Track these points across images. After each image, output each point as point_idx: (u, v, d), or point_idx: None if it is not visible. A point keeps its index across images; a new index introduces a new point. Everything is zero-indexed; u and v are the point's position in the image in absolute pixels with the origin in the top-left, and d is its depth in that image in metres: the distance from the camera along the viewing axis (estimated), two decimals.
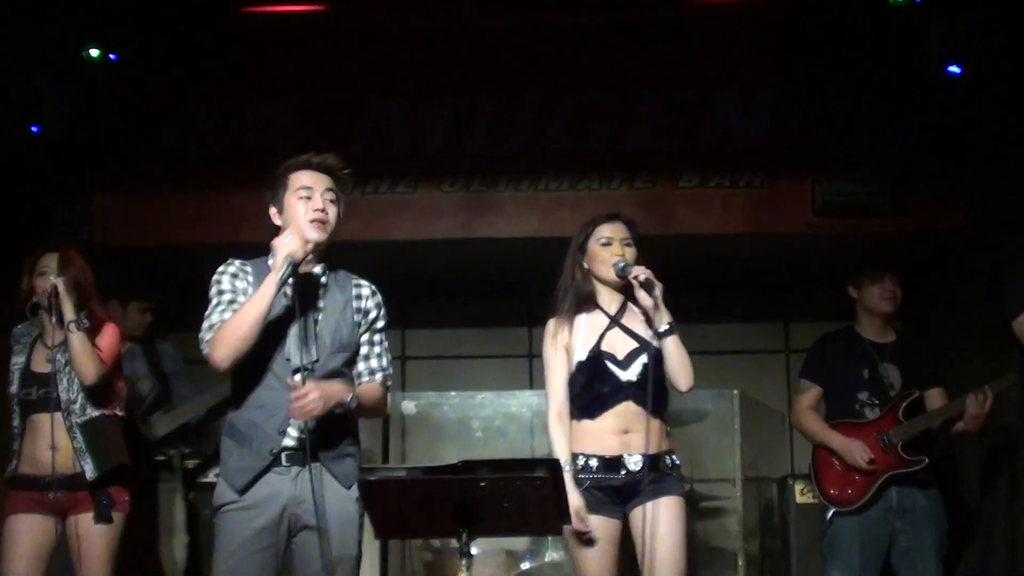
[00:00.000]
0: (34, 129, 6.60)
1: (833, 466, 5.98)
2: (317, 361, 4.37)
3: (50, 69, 6.59)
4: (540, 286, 8.25)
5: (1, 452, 5.49)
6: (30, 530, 5.25)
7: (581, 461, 4.88)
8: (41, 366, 5.36)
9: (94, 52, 6.75)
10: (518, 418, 7.60)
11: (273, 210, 4.49)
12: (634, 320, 4.99)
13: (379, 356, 4.57)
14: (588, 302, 5.04)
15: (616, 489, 4.86)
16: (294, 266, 4.27)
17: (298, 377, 4.28)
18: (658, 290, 4.80)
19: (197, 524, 6.60)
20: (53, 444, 5.22)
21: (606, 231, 5.03)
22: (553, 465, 3.95)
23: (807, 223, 7.11)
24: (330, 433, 4.39)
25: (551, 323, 5.09)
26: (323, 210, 4.40)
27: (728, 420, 6.91)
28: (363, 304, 4.56)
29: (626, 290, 5.00)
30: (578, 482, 4.87)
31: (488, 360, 8.59)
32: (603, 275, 5.01)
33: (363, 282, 4.61)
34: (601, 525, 4.85)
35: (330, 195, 4.46)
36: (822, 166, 7.04)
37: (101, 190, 7.32)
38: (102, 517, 5.24)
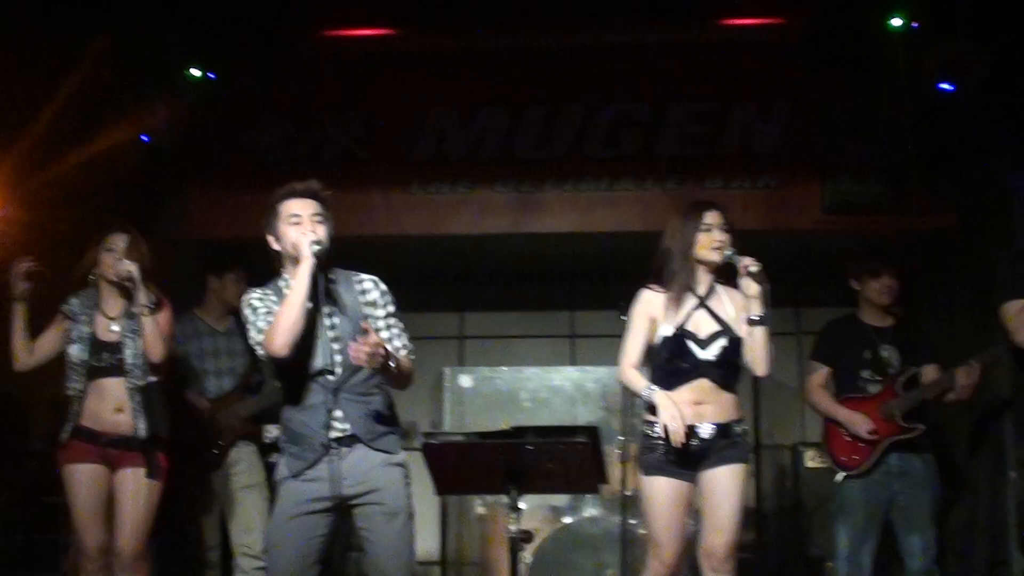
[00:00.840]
0: (144, 139, 6.68)
1: (841, 436, 5.99)
2: (341, 362, 4.37)
3: (158, 87, 6.67)
4: (580, 275, 8.38)
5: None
6: (90, 477, 5.19)
7: (658, 429, 4.73)
8: (106, 335, 5.28)
9: (196, 72, 6.85)
10: (561, 391, 7.61)
11: (270, 238, 4.50)
12: (719, 303, 4.87)
13: (398, 336, 4.51)
14: (682, 282, 4.87)
15: (688, 455, 4.77)
16: (320, 246, 4.31)
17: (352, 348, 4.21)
18: (766, 286, 4.71)
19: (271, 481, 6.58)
20: (118, 406, 5.19)
21: (707, 218, 4.86)
22: (592, 431, 3.99)
23: (817, 220, 7.10)
24: (370, 420, 4.41)
25: (645, 293, 4.94)
26: (312, 232, 4.38)
27: (746, 394, 6.91)
28: (368, 297, 4.51)
29: (717, 273, 4.90)
30: (652, 447, 4.77)
31: (535, 339, 8.59)
32: (703, 257, 4.86)
33: (363, 276, 4.57)
34: (671, 487, 4.76)
35: (317, 218, 4.42)
36: (830, 170, 7.02)
37: (197, 190, 7.40)
38: (153, 473, 5.16)
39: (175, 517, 6.32)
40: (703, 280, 4.90)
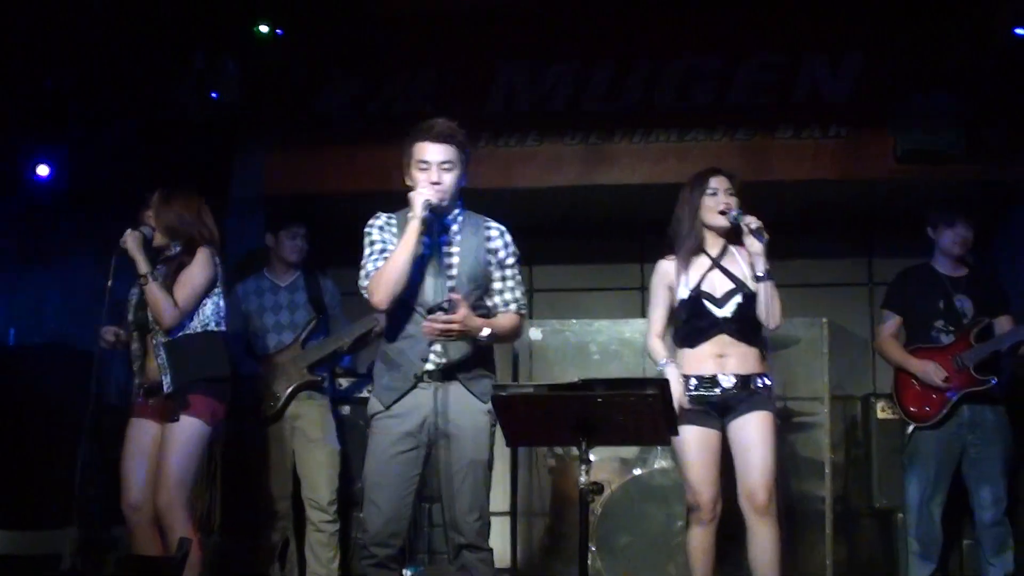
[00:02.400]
0: (214, 95, 6.73)
1: (913, 387, 5.97)
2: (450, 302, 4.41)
3: (227, 44, 6.71)
4: (650, 227, 8.31)
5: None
6: (136, 431, 5.26)
7: (683, 381, 5.02)
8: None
9: (264, 28, 6.89)
10: (631, 343, 7.58)
11: (407, 180, 4.57)
12: (733, 263, 5.07)
13: (512, 289, 4.63)
14: (694, 246, 5.11)
15: (713, 404, 4.98)
16: (431, 210, 4.38)
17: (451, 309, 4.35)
18: (764, 238, 4.87)
19: (345, 433, 6.66)
20: (157, 360, 5.20)
21: (712, 183, 5.11)
22: (662, 384, 3.99)
23: (889, 170, 7.00)
24: (467, 359, 4.51)
25: (661, 265, 5.20)
26: (438, 181, 4.45)
27: (818, 345, 6.85)
28: (492, 244, 4.61)
29: (729, 235, 5.08)
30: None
31: (604, 292, 8.59)
32: (710, 221, 5.10)
33: (492, 223, 4.67)
34: (701, 435, 4.99)
35: (446, 165, 4.48)
36: (903, 119, 6.92)
37: (267, 148, 7.44)
38: (170, 417, 5.12)
39: (242, 469, 6.44)
40: (715, 243, 5.13)
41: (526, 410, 4.06)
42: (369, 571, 4.50)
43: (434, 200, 4.41)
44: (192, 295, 5.22)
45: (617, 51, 7.30)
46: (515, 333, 4.70)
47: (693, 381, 5.02)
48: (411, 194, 4.46)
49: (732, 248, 5.11)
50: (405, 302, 4.49)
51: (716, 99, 7.23)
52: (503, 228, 4.67)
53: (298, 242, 6.54)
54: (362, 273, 4.54)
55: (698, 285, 5.06)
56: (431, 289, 4.47)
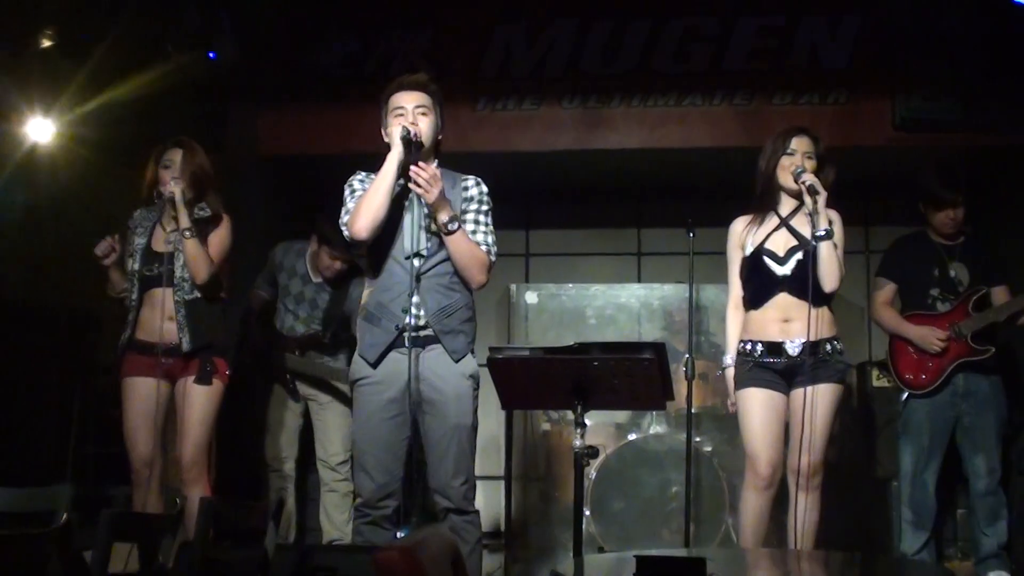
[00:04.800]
0: (211, 55, 6.70)
1: (909, 354, 5.97)
2: (428, 248, 4.51)
3: (223, 3, 6.68)
4: (647, 192, 8.34)
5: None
6: (143, 390, 5.26)
7: (749, 347, 5.03)
8: (160, 246, 5.35)
9: None
10: (627, 308, 7.61)
11: (383, 132, 4.66)
12: (803, 222, 5.02)
13: (484, 233, 4.63)
14: (766, 204, 5.11)
15: (778, 371, 4.97)
16: (408, 145, 4.43)
17: (417, 262, 4.47)
18: (822, 198, 4.84)
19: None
20: (169, 315, 5.25)
21: (793, 143, 5.09)
22: (658, 348, 4.01)
23: (887, 137, 7.00)
24: (447, 309, 4.54)
25: (735, 223, 5.21)
26: (414, 123, 4.54)
27: None
28: (468, 193, 4.67)
29: (802, 196, 5.01)
30: (744, 362, 5.02)
31: (601, 257, 8.60)
32: (783, 181, 5.08)
33: (469, 176, 4.73)
34: (762, 396, 4.99)
35: (421, 109, 4.60)
36: (901, 86, 6.91)
37: (264, 107, 7.42)
38: (202, 379, 5.24)
39: (250, 429, 6.47)
40: (788, 203, 5.11)
41: (522, 373, 4.08)
42: (363, 529, 4.56)
43: (411, 129, 4.47)
44: (221, 261, 5.37)
45: (614, 12, 7.26)
46: (477, 264, 4.59)
47: (759, 347, 5.01)
48: (388, 130, 4.58)
49: (806, 209, 5.04)
50: (384, 254, 4.57)
51: (713, 63, 7.20)
52: (479, 179, 4.74)
53: (337, 265, 6.49)
54: (342, 211, 4.60)
55: (762, 243, 5.06)
56: (409, 239, 4.51)
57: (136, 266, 5.35)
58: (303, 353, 6.49)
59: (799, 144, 5.08)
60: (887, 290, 6.11)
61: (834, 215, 5.00)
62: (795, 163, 5.02)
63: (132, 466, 5.28)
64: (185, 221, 5.22)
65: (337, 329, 6.52)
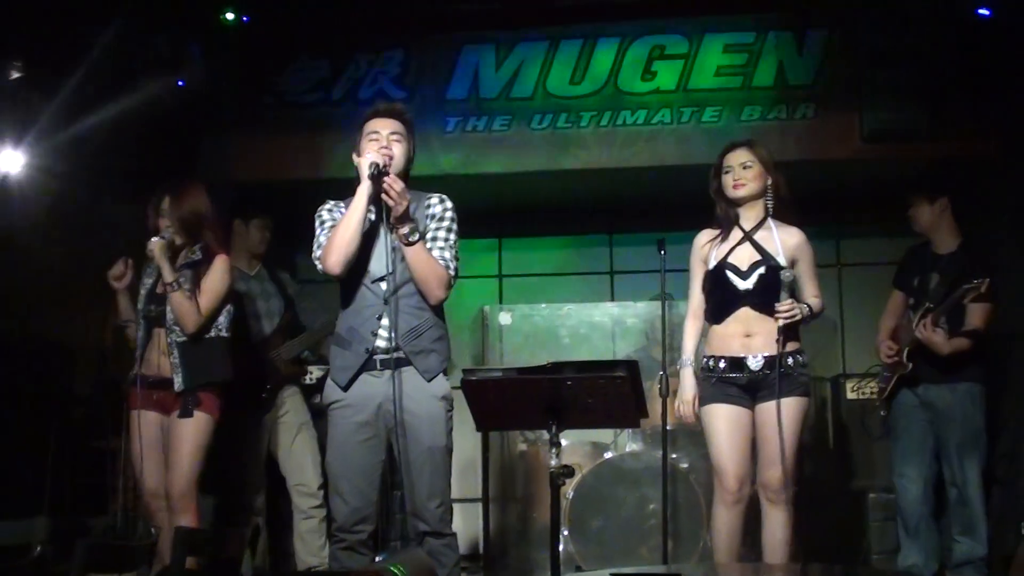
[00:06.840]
0: (180, 83, 6.72)
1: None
2: (392, 272, 4.52)
3: (193, 31, 6.70)
4: (619, 211, 8.36)
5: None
6: (145, 424, 5.34)
7: (712, 362, 5.04)
8: (162, 288, 5.38)
9: (230, 16, 6.88)
10: (600, 326, 7.64)
11: (355, 156, 4.67)
12: (768, 236, 5.05)
13: (443, 249, 4.61)
14: (727, 220, 5.13)
15: (741, 387, 4.98)
16: (378, 169, 4.45)
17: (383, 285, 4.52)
18: (801, 315, 4.97)
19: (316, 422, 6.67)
20: (167, 353, 5.32)
21: (727, 160, 5.16)
22: (631, 366, 4.02)
23: (855, 150, 7.04)
24: (418, 329, 4.57)
25: (699, 235, 5.23)
26: (387, 147, 4.59)
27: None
28: (432, 211, 4.67)
29: (766, 207, 5.08)
30: (707, 378, 5.03)
31: (574, 276, 8.61)
32: (732, 197, 5.12)
33: (433, 195, 4.74)
34: (726, 412, 4.99)
35: (395, 136, 4.65)
36: (868, 98, 6.96)
37: (234, 134, 7.41)
38: (184, 413, 5.28)
39: (224, 462, 6.45)
40: (749, 216, 5.12)
41: (496, 394, 4.07)
42: (339, 554, 4.55)
43: (380, 161, 4.48)
44: (214, 304, 5.40)
45: (582, 33, 7.31)
46: (436, 278, 4.57)
47: (722, 363, 5.02)
48: (358, 159, 4.59)
49: (771, 221, 5.09)
50: (354, 278, 4.59)
51: (681, 81, 7.25)
52: (444, 196, 4.75)
53: (267, 234, 6.56)
54: (315, 245, 4.63)
55: (725, 257, 5.07)
56: (379, 264, 4.55)
57: (141, 306, 5.45)
58: (283, 342, 6.49)
59: (732, 159, 5.13)
60: (893, 297, 6.17)
61: (795, 232, 5.06)
62: (733, 178, 5.08)
63: (145, 495, 5.40)
64: (168, 276, 5.28)
65: (293, 311, 6.60)
